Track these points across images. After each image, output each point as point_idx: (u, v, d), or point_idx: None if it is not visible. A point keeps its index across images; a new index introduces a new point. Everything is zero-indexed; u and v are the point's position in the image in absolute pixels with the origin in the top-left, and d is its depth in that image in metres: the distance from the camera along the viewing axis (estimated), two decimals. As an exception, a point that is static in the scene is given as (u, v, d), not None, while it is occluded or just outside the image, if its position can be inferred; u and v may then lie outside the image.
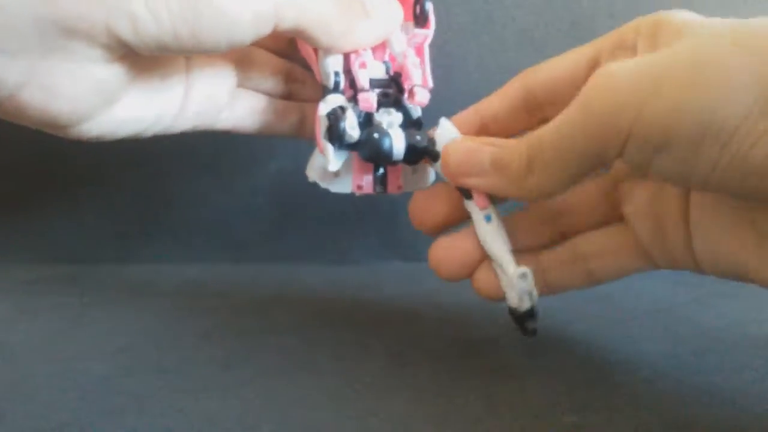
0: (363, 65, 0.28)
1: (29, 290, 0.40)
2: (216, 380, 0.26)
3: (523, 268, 0.26)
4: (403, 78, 0.28)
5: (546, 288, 0.27)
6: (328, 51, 0.27)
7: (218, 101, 0.29)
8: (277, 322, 0.33)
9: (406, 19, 0.30)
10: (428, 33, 0.29)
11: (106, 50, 0.22)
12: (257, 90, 0.31)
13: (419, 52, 0.29)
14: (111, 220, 0.46)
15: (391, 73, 0.29)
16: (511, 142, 0.24)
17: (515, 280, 0.25)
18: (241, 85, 0.30)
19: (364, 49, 0.28)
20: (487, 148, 0.25)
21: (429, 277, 0.41)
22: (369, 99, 0.27)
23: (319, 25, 0.25)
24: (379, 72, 0.28)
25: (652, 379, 0.25)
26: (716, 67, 0.18)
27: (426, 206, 0.28)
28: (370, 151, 0.26)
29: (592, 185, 0.27)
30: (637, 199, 0.26)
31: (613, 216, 0.27)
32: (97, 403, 0.24)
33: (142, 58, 0.23)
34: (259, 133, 0.31)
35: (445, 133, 0.27)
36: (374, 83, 0.28)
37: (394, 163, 0.27)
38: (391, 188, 0.29)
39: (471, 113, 0.28)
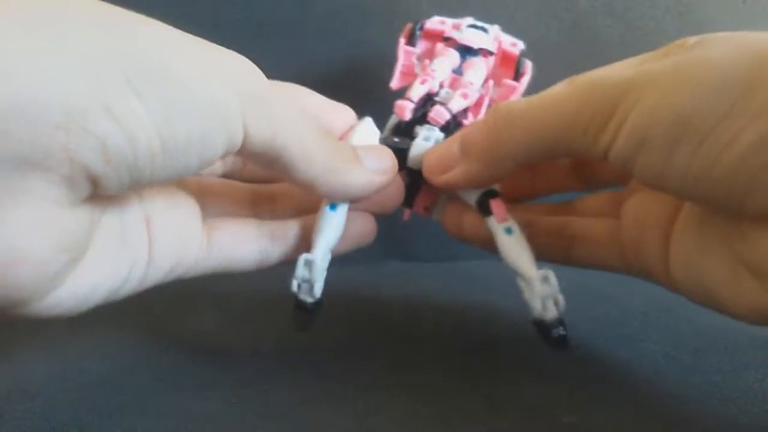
0: (424, 81, 0.28)
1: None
2: (216, 380, 0.26)
3: (545, 271, 0.23)
4: (469, 109, 0.29)
5: None
6: (309, 187, 0.23)
7: (189, 235, 0.24)
8: (277, 321, 0.33)
9: (505, 78, 0.30)
10: (518, 86, 0.30)
11: (68, 188, 0.17)
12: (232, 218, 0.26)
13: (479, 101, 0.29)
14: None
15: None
16: (478, 122, 0.25)
17: (536, 284, 0.23)
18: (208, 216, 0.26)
19: (432, 75, 0.28)
20: (456, 137, 0.25)
21: (429, 277, 0.41)
22: (403, 106, 0.27)
23: (302, 152, 0.21)
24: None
25: (652, 379, 0.25)
26: (698, 67, 0.18)
27: (459, 220, 0.28)
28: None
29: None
30: (632, 202, 0.26)
31: (614, 214, 0.27)
32: (97, 403, 0.24)
33: (103, 200, 0.19)
34: (260, 266, 0.27)
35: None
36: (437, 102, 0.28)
37: (414, 174, 0.27)
38: (417, 207, 0.28)
39: None
